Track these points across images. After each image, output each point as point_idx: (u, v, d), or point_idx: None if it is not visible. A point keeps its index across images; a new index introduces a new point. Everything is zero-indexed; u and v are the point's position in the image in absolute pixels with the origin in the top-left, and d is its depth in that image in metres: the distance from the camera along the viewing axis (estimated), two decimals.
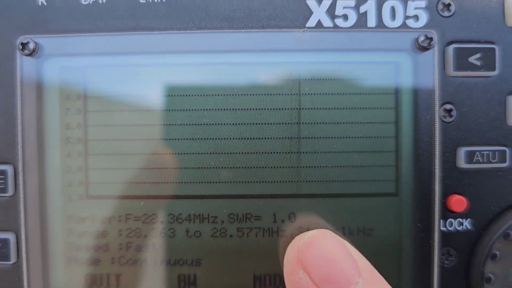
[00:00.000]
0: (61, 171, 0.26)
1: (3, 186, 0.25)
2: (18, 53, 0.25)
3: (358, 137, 0.25)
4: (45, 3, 0.25)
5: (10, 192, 0.26)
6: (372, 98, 0.25)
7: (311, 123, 0.25)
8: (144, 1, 0.25)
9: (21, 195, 0.25)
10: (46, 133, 0.25)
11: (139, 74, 0.25)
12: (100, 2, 0.25)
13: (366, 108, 0.25)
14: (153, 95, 0.25)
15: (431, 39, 0.25)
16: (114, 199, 0.26)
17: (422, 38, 0.25)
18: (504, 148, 0.25)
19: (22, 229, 0.26)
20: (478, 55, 0.25)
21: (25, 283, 0.26)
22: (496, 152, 0.25)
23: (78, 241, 0.26)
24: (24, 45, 0.25)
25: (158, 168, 0.25)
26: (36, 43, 0.25)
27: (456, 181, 0.25)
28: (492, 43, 0.25)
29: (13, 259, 0.26)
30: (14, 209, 0.26)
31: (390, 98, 0.25)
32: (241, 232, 0.26)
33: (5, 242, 0.26)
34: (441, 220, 0.25)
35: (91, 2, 0.25)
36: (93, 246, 0.26)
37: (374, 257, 0.25)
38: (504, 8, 0.26)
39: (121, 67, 0.25)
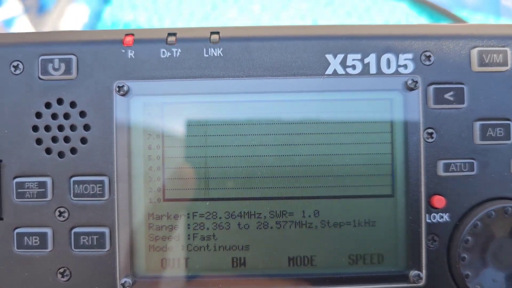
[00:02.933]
0: (144, 181, 0.35)
1: (101, 192, 0.34)
2: (114, 94, 0.34)
3: (364, 153, 0.35)
4: (133, 57, 0.34)
5: (106, 196, 0.34)
6: (373, 125, 0.35)
7: (328, 144, 0.34)
8: (208, 56, 0.34)
9: (115, 199, 0.34)
10: (133, 153, 0.34)
11: (203, 109, 0.34)
12: (175, 56, 0.34)
13: (369, 132, 0.35)
14: (211, 125, 0.35)
15: (416, 82, 0.34)
16: (184, 201, 0.35)
17: (410, 81, 0.34)
18: (472, 160, 0.34)
19: (115, 224, 0.34)
20: (451, 93, 0.34)
21: (117, 265, 0.34)
22: (466, 163, 0.34)
23: (156, 233, 0.35)
24: (119, 88, 0.34)
25: (217, 178, 0.34)
26: (128, 86, 0.34)
27: (437, 185, 0.34)
28: (462, 83, 0.35)
29: (107, 247, 0.34)
30: (109, 209, 0.34)
31: (387, 125, 0.35)
32: (279, 224, 0.34)
33: (102, 234, 0.34)
34: (427, 214, 0.34)
35: (168, 56, 0.34)
36: (168, 236, 0.35)
37: (377, 243, 0.34)
38: (470, 57, 0.35)
39: (189, 104, 0.34)
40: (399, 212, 0.34)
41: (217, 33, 0.34)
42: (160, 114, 0.34)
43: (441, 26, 0.36)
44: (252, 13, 0.56)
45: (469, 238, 0.33)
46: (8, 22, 0.67)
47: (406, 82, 0.34)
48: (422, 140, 0.34)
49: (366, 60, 0.34)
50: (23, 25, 0.66)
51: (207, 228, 0.34)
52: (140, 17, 0.55)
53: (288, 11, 0.56)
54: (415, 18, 0.57)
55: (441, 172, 0.34)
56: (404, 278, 0.34)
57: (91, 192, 0.34)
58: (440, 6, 0.56)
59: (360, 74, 0.34)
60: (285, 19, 0.56)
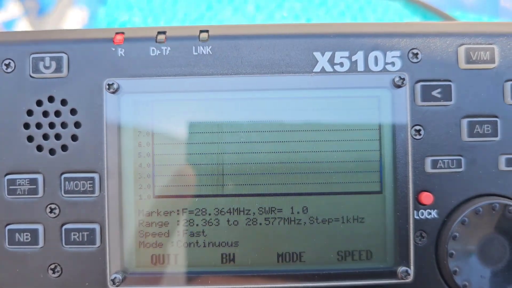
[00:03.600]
0: (134, 178, 0.35)
1: (92, 189, 0.35)
2: (104, 91, 0.35)
3: (352, 150, 0.35)
4: (123, 55, 0.35)
5: (96, 193, 0.35)
6: (361, 122, 0.35)
7: (316, 141, 0.35)
8: (196, 54, 0.35)
9: (105, 196, 0.35)
10: (123, 150, 0.35)
11: (192, 107, 0.35)
12: (164, 54, 0.35)
13: (357, 129, 0.35)
14: (201, 122, 0.35)
15: (404, 79, 0.34)
16: (173, 198, 0.35)
17: (397, 79, 0.34)
18: (459, 157, 0.35)
19: (105, 221, 0.35)
20: (438, 90, 0.35)
21: (107, 262, 0.35)
22: (454, 160, 0.35)
23: (147, 230, 0.35)
24: (109, 85, 0.34)
25: (207, 175, 0.35)
26: (118, 84, 0.35)
27: (424, 182, 0.35)
28: (449, 81, 0.35)
29: (98, 243, 0.35)
30: (99, 206, 0.35)
31: (375, 122, 0.35)
32: (268, 221, 0.35)
33: (93, 230, 0.35)
34: (415, 211, 0.35)
35: (157, 54, 0.35)
36: (158, 233, 0.35)
37: (365, 239, 0.34)
38: (457, 55, 0.35)
39: (179, 101, 0.35)
40: (387, 209, 0.34)
41: (206, 31, 0.35)
42: (150, 112, 0.35)
43: (428, 24, 0.36)
44: (246, 13, 0.56)
45: (457, 234, 0.33)
46: (9, 24, 0.68)
47: (393, 80, 0.34)
48: (409, 137, 0.34)
49: (353, 58, 0.34)
50: (23, 27, 0.67)
51: (197, 225, 0.34)
52: (135, 17, 0.55)
53: (282, 11, 0.57)
54: (408, 18, 0.57)
55: (429, 168, 0.34)
56: (392, 274, 0.34)
57: (82, 189, 0.34)
58: (433, 6, 0.56)
59: (348, 71, 0.34)
60: (279, 19, 0.57)
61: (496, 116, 0.35)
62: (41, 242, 0.34)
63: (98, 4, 0.63)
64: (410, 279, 0.34)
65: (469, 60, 0.35)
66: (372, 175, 0.34)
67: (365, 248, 0.34)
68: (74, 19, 0.65)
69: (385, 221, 0.34)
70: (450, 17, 0.55)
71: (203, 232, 0.34)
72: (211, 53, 0.34)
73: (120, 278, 0.34)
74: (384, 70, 0.34)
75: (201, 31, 0.35)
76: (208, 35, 0.34)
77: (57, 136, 0.35)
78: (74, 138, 0.34)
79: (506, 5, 0.78)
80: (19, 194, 0.34)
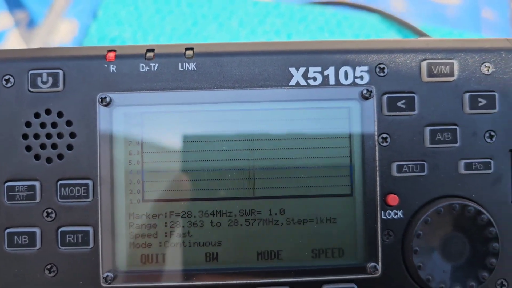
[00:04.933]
0: (125, 183, 0.38)
1: (86, 194, 0.37)
2: (98, 104, 0.38)
3: (325, 157, 0.38)
4: (115, 71, 0.38)
5: (90, 198, 0.38)
6: (333, 131, 0.38)
7: (292, 148, 0.38)
8: (182, 69, 0.38)
9: (98, 200, 0.38)
10: (115, 158, 0.38)
11: (179, 118, 0.38)
12: (153, 70, 0.38)
13: (330, 138, 0.38)
14: (187, 132, 0.38)
15: (371, 91, 0.38)
16: (161, 202, 0.38)
17: (365, 91, 0.38)
18: (423, 162, 0.38)
19: (98, 224, 0.37)
20: (403, 101, 0.38)
21: (100, 261, 0.37)
22: (418, 165, 0.38)
23: (136, 231, 0.38)
24: (102, 99, 0.38)
25: (192, 180, 0.38)
26: (110, 97, 0.38)
27: (391, 185, 0.38)
28: (413, 92, 0.38)
29: (91, 245, 0.37)
30: (93, 210, 0.37)
31: (346, 131, 0.38)
32: (248, 222, 0.38)
33: (86, 233, 0.37)
34: (382, 211, 0.38)
35: (146, 70, 0.38)
36: (147, 234, 0.38)
37: (337, 238, 0.37)
38: (420, 69, 0.39)
39: (166, 113, 0.38)
40: (357, 210, 0.38)
41: (191, 49, 0.38)
42: (140, 123, 0.38)
43: (394, 41, 0.40)
44: (231, 28, 0.60)
45: (421, 232, 0.37)
46: None
47: (362, 92, 0.37)
48: (377, 144, 0.37)
49: (325, 73, 0.38)
50: (13, 39, 0.69)
51: (183, 226, 0.37)
52: (125, 33, 0.58)
53: (264, 26, 0.60)
54: (384, 33, 0.61)
55: (395, 173, 0.37)
56: (362, 269, 0.37)
57: (77, 194, 0.37)
58: (407, 22, 0.60)
59: (321, 85, 0.38)
60: (261, 34, 0.60)
61: (456, 124, 0.38)
62: (38, 244, 0.37)
63: (88, 16, 0.65)
64: (378, 274, 0.37)
65: (430, 74, 0.38)
66: (343, 179, 0.38)
67: (337, 246, 0.38)
68: (64, 32, 0.68)
69: (355, 221, 0.37)
70: (423, 33, 0.59)
71: (188, 233, 0.37)
72: (195, 69, 0.37)
73: (112, 276, 0.37)
74: (354, 83, 0.38)
75: (187, 49, 0.38)
76: (193, 53, 0.38)
77: (54, 146, 0.37)
78: (69, 147, 0.37)
79: (487, 16, 0.82)
80: (17, 200, 0.37)
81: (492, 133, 0.38)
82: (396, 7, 0.77)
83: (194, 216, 0.37)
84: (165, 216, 0.37)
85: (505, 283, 0.38)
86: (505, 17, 0.82)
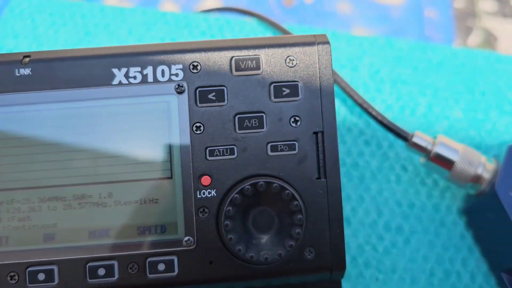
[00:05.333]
0: None
1: None
2: None
3: (148, 145, 0.43)
4: None
5: None
6: (154, 123, 0.43)
7: (120, 138, 0.43)
8: (18, 75, 0.43)
9: None
10: None
11: (13, 118, 0.43)
12: None
13: (152, 129, 0.43)
14: (20, 131, 0.43)
15: (182, 86, 0.43)
16: (2, 191, 0.43)
17: (177, 86, 0.43)
18: (233, 146, 0.43)
19: None
20: (213, 93, 0.43)
21: None
22: (228, 149, 0.43)
23: None
24: None
25: (29, 171, 0.43)
26: None
27: (205, 167, 0.43)
28: (223, 86, 0.44)
29: None
30: None
31: (165, 122, 0.44)
32: (81, 205, 0.42)
33: None
34: (197, 191, 0.43)
35: None
36: None
37: (160, 216, 0.42)
38: (230, 64, 0.44)
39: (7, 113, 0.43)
40: (177, 191, 0.43)
41: (28, 56, 0.44)
42: None
43: (207, 41, 0.45)
44: (120, 36, 0.65)
45: (230, 208, 0.42)
46: None
47: (175, 87, 0.43)
48: (191, 132, 0.43)
49: (144, 72, 0.43)
50: None
51: (23, 211, 0.43)
52: (22, 44, 0.64)
53: (151, 33, 0.66)
54: (261, 34, 0.66)
55: (207, 156, 0.43)
56: (180, 243, 0.42)
57: None
58: (279, 24, 0.65)
59: (141, 83, 0.43)
60: (148, 40, 0.66)
61: (263, 112, 0.43)
62: None
63: None
64: (193, 246, 0.42)
65: (239, 68, 0.43)
66: (164, 164, 0.43)
67: (160, 223, 0.43)
68: None
69: (175, 200, 0.43)
70: (288, 31, 0.65)
71: (28, 217, 0.43)
72: (31, 73, 0.43)
73: None
74: (170, 80, 0.43)
75: (24, 56, 0.43)
76: (29, 60, 0.43)
77: None
78: None
79: (430, 15, 0.88)
80: None
81: (297, 118, 0.43)
82: (343, 10, 0.83)
83: (33, 202, 0.43)
84: (8, 204, 0.43)
85: (312, 250, 0.43)
86: (447, 15, 0.87)
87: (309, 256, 0.43)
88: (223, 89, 0.43)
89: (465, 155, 0.55)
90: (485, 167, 0.55)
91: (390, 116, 0.65)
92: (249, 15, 0.68)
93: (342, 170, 0.61)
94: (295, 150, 0.43)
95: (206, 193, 0.43)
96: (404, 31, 0.83)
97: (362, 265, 0.56)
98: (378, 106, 0.66)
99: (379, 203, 0.60)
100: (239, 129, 0.43)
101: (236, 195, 0.42)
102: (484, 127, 0.66)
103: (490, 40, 0.83)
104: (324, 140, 0.43)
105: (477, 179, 0.55)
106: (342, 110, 0.64)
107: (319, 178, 0.43)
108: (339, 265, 0.43)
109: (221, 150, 0.43)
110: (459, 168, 0.55)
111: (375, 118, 0.58)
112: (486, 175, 0.55)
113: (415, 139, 0.56)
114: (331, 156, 0.43)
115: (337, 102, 0.65)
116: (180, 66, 0.43)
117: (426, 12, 0.87)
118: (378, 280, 0.56)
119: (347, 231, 0.58)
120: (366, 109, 0.59)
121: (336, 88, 0.61)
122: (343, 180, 0.61)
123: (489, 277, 0.56)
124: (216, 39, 0.56)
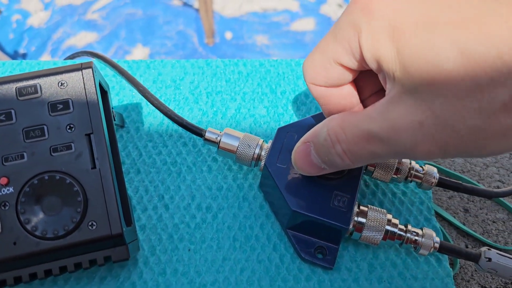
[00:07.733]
0: None
1: None
2: None
3: None
4: None
5: None
6: None
7: None
8: None
9: None
10: None
11: None
12: None
13: None
14: None
15: None
16: None
17: None
18: (23, 152, 0.57)
19: None
20: (4, 115, 0.58)
21: None
22: (19, 155, 0.57)
23: None
24: None
25: None
26: None
27: (2, 171, 0.57)
28: (12, 109, 0.58)
29: None
30: None
31: None
32: None
33: None
34: (1, 190, 0.57)
35: None
36: None
37: None
38: (16, 92, 0.58)
39: None
40: None
41: None
42: None
43: None
44: None
45: (24, 199, 0.55)
46: None
47: None
48: None
49: None
50: None
51: None
52: None
53: None
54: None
55: (4, 162, 0.56)
56: None
57: None
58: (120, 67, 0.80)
59: None
60: None
61: (44, 124, 0.57)
62: None
63: None
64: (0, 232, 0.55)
65: (21, 94, 0.58)
66: None
67: None
68: None
69: None
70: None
71: None
72: None
73: None
74: None
75: None
76: None
77: None
78: None
79: (325, 12, 1.06)
80: None
81: (72, 126, 0.58)
82: (261, 41, 0.99)
83: None
84: None
85: (94, 223, 0.56)
86: None
87: (92, 228, 0.56)
88: (11, 111, 0.57)
89: (244, 140, 0.70)
90: (261, 147, 0.70)
91: (205, 120, 0.80)
92: (101, 59, 0.83)
93: (163, 167, 0.76)
94: (72, 149, 0.57)
95: (6, 190, 0.56)
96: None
97: (177, 240, 0.69)
98: (195, 113, 0.81)
99: (193, 190, 0.74)
100: (26, 139, 0.57)
101: (27, 188, 0.55)
102: (283, 119, 0.82)
103: None
104: (94, 139, 0.58)
105: (257, 158, 0.69)
106: (166, 121, 0.79)
107: (94, 168, 0.57)
108: (116, 231, 0.56)
109: (14, 156, 0.56)
110: (240, 151, 0.69)
111: (175, 121, 0.73)
112: (263, 153, 0.69)
113: (207, 134, 0.71)
114: (101, 150, 0.57)
115: (155, 116, 0.80)
116: None
117: (321, 9, 1.05)
118: (190, 250, 0.69)
119: (165, 215, 0.71)
120: (169, 115, 0.74)
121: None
122: (164, 175, 0.75)
123: (282, 236, 0.70)
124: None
